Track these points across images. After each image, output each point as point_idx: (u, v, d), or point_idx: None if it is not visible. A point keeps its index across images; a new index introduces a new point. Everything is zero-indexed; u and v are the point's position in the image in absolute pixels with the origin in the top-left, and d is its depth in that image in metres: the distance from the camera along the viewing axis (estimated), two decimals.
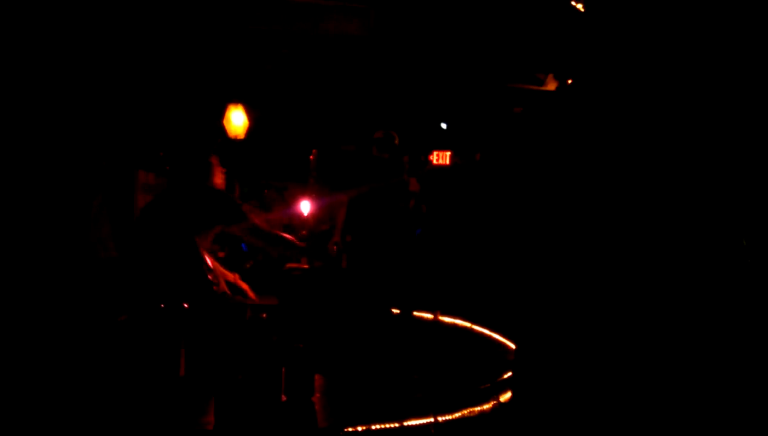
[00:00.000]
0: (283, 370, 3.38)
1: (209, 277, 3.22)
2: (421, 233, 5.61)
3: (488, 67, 8.03)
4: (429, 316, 6.24)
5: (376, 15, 7.49)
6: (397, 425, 3.30)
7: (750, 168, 2.79)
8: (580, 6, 4.06)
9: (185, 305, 3.17)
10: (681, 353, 2.74)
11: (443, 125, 9.80)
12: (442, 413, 3.44)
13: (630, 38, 3.04)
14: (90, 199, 5.25)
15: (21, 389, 3.37)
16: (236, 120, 8.03)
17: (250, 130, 8.16)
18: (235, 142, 8.03)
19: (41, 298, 4.30)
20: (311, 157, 8.68)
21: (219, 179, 3.59)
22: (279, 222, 7.59)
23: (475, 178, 9.14)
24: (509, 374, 4.19)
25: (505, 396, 3.75)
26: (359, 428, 3.24)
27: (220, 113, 8.04)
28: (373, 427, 3.26)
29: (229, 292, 3.35)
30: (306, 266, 4.34)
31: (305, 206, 7.90)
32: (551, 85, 7.67)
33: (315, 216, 7.94)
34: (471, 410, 3.56)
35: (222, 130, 8.09)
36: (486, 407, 3.63)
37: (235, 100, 8.02)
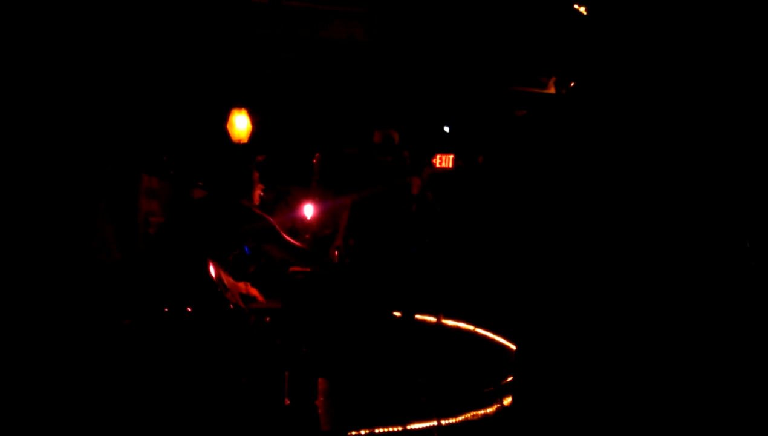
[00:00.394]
0: (287, 374, 3.39)
1: (227, 295, 3.24)
2: (425, 237, 5.62)
3: (491, 70, 8.04)
4: (432, 319, 6.24)
5: (379, 19, 7.50)
6: (400, 428, 3.30)
7: (753, 170, 2.79)
8: (582, 9, 4.06)
9: (188, 309, 3.17)
10: (684, 355, 2.73)
11: (446, 128, 9.80)
12: (446, 417, 3.44)
13: (633, 41, 3.04)
14: (94, 203, 5.26)
15: (24, 391, 3.38)
16: (240, 124, 8.05)
17: (254, 135, 8.19)
18: (239, 146, 8.06)
19: (44, 301, 4.31)
20: (314, 160, 8.70)
21: (257, 195, 3.65)
22: (282, 226, 7.59)
23: (478, 181, 9.14)
24: (512, 377, 4.19)
25: (509, 400, 3.74)
26: (363, 432, 3.24)
27: (224, 118, 8.07)
28: (377, 431, 3.26)
29: (242, 303, 3.36)
30: (309, 270, 4.34)
31: (308, 210, 7.91)
32: (553, 89, 7.67)
33: (318, 220, 7.95)
34: (475, 413, 3.56)
35: (225, 135, 8.12)
36: (490, 410, 3.62)
37: (239, 105, 8.05)
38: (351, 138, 9.13)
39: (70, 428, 3.08)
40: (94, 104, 5.29)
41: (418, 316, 5.56)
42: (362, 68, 8.28)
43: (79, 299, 4.48)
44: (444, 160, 9.42)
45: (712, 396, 2.63)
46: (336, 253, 4.99)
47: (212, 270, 3.24)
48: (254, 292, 3.54)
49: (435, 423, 3.37)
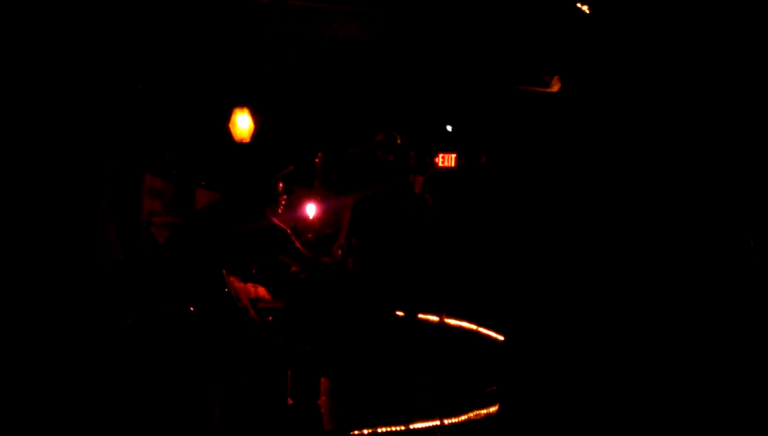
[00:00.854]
0: (289, 373, 3.39)
1: (236, 299, 3.25)
2: (428, 227, 5.59)
3: (494, 69, 8.02)
4: (435, 318, 6.23)
5: (382, 18, 7.49)
6: (403, 428, 3.30)
7: (757, 171, 2.78)
8: (585, 8, 4.06)
9: (193, 310, 3.18)
10: (686, 351, 2.73)
11: (449, 128, 9.80)
12: (449, 416, 3.44)
13: (635, 40, 3.04)
14: (97, 203, 5.27)
15: (26, 389, 3.39)
16: (242, 124, 8.06)
17: (256, 134, 8.19)
18: (241, 145, 8.06)
19: (47, 300, 4.31)
20: (317, 160, 8.70)
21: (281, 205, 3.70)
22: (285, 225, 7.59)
23: (481, 180, 9.13)
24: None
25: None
26: (365, 432, 3.24)
27: (226, 117, 8.08)
28: (379, 430, 3.25)
29: (250, 307, 3.37)
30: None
31: (311, 209, 7.91)
32: (557, 88, 7.66)
33: (320, 219, 7.95)
34: (477, 413, 3.55)
35: (228, 134, 8.12)
36: (492, 410, 3.61)
37: (241, 104, 8.05)
38: (353, 137, 9.13)
39: (73, 426, 3.09)
40: (97, 104, 5.30)
41: (420, 315, 5.55)
42: (365, 67, 8.28)
43: (82, 299, 4.48)
44: (446, 160, 9.42)
45: (711, 390, 2.62)
46: (339, 252, 4.99)
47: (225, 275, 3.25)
48: (262, 291, 3.56)
49: (438, 423, 3.37)
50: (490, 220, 8.13)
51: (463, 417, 3.48)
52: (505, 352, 4.09)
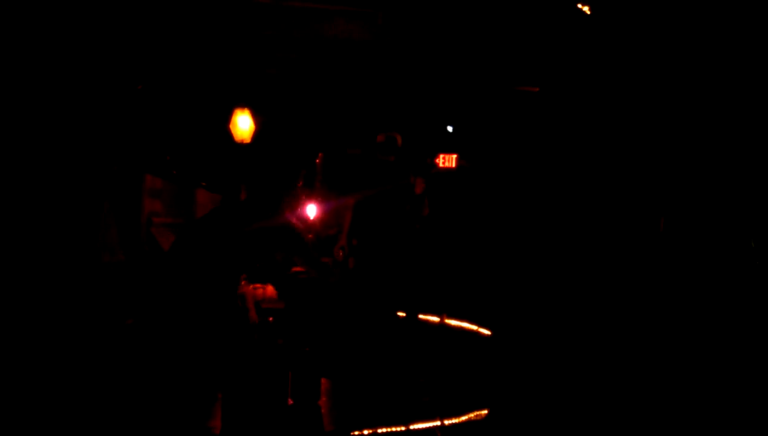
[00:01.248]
0: (290, 374, 3.38)
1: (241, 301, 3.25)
2: (424, 234, 5.59)
3: (495, 69, 8.02)
4: (435, 319, 6.22)
5: (382, 19, 7.49)
6: (403, 428, 3.29)
7: (758, 172, 2.78)
8: (586, 9, 4.06)
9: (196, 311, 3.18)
10: (681, 350, 2.73)
11: (449, 128, 9.78)
12: (449, 417, 3.43)
13: (636, 40, 3.04)
14: (98, 203, 5.27)
15: (26, 389, 3.39)
16: (242, 124, 8.05)
17: (257, 135, 8.18)
18: (241, 145, 8.05)
19: (48, 300, 4.32)
20: (317, 160, 8.69)
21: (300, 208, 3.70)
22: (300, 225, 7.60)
23: (481, 180, 9.12)
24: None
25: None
26: (366, 432, 3.23)
27: (227, 118, 8.07)
28: (380, 431, 3.25)
29: (253, 310, 3.37)
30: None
31: (311, 210, 7.90)
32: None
33: (321, 220, 7.94)
34: (477, 413, 3.55)
35: (228, 135, 8.12)
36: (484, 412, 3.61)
37: (242, 105, 8.04)
38: (354, 138, 9.12)
39: (73, 425, 3.09)
40: (98, 105, 5.30)
41: (421, 316, 5.55)
42: (365, 68, 8.27)
43: (82, 298, 4.48)
44: (447, 160, 9.41)
45: (710, 390, 2.62)
46: (341, 253, 4.98)
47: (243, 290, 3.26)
48: (270, 291, 3.56)
49: (438, 423, 3.37)
50: (489, 219, 8.12)
51: (464, 418, 3.48)
52: (495, 348, 4.09)
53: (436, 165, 9.19)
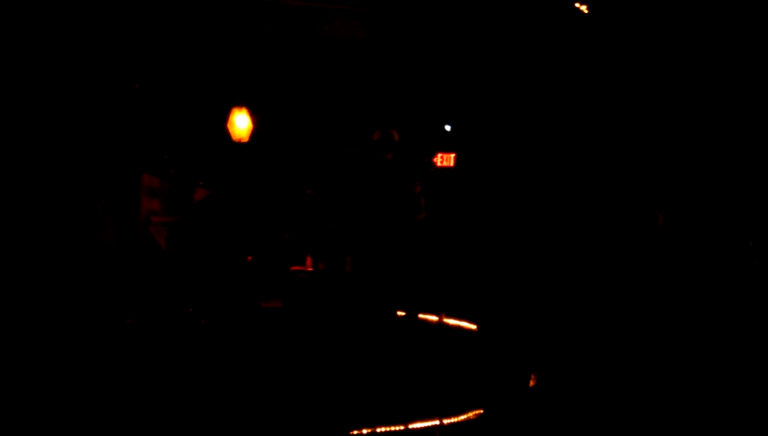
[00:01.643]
0: (289, 372, 3.38)
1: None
2: (423, 232, 5.58)
3: (493, 68, 8.02)
4: (434, 318, 6.22)
5: (379, 18, 7.49)
6: (402, 428, 3.29)
7: (756, 171, 2.78)
8: (584, 8, 4.06)
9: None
10: (677, 349, 2.73)
11: (447, 127, 9.79)
12: (448, 416, 3.43)
13: (634, 38, 3.04)
14: (95, 202, 5.26)
15: (26, 389, 3.38)
16: (240, 123, 8.04)
17: (254, 133, 8.17)
18: (239, 144, 8.04)
19: (45, 300, 4.30)
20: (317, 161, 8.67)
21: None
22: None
23: (479, 180, 9.13)
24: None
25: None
26: (364, 431, 3.23)
27: (225, 116, 8.06)
28: (378, 430, 3.25)
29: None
30: (311, 269, 4.33)
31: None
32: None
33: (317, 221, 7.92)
34: (476, 413, 3.55)
35: (226, 134, 8.11)
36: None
37: (240, 104, 8.03)
38: (352, 137, 9.12)
39: (73, 425, 3.08)
40: (95, 103, 5.29)
41: (420, 315, 5.55)
42: (363, 67, 8.27)
43: (80, 298, 4.47)
44: (445, 159, 9.41)
45: (707, 389, 2.62)
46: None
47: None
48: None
49: (437, 423, 3.37)
50: (485, 218, 8.12)
51: (463, 417, 3.48)
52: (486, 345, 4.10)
53: (434, 164, 9.20)
